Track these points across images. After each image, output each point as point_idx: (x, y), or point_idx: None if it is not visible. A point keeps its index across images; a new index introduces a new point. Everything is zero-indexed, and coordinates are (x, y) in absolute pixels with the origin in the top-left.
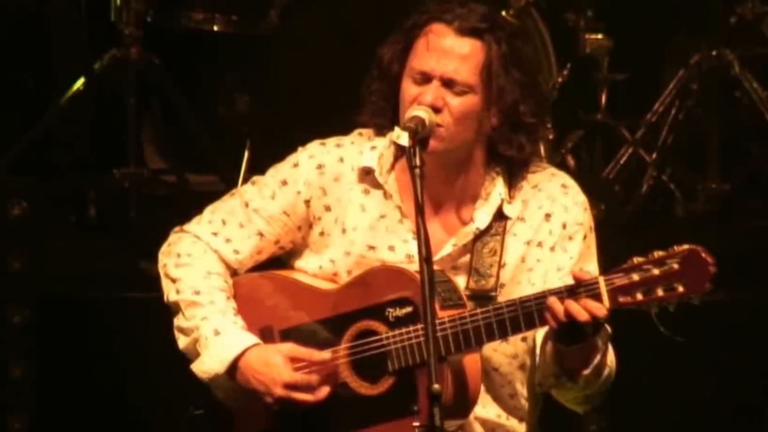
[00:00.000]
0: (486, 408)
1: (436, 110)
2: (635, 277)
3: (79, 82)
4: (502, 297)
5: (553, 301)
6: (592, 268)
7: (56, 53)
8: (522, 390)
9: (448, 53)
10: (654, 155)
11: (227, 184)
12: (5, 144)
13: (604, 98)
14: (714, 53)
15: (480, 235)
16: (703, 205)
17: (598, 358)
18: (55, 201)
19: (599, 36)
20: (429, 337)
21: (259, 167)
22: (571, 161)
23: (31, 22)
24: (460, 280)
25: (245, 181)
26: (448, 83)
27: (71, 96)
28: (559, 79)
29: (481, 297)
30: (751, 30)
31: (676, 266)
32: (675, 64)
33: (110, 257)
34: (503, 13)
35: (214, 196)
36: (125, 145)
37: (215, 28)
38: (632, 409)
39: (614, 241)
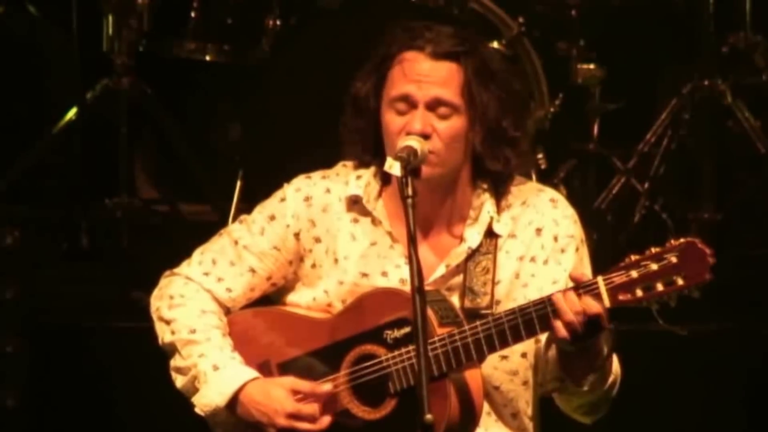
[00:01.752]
0: (488, 430)
1: (426, 137)
2: (634, 273)
3: (72, 112)
4: None
5: (569, 295)
6: None
7: (49, 82)
8: (525, 409)
9: (428, 78)
10: (646, 185)
11: (220, 213)
12: None
13: (596, 128)
14: (706, 83)
15: (472, 255)
16: (696, 234)
17: (602, 360)
18: (47, 230)
19: (591, 66)
20: (422, 369)
21: (251, 196)
22: (563, 191)
23: (24, 51)
24: (454, 300)
25: (238, 210)
26: (433, 106)
27: (63, 125)
28: (552, 109)
29: (477, 315)
30: (744, 59)
31: (674, 260)
32: (667, 94)
33: (102, 286)
34: (495, 42)
35: (206, 225)
36: (117, 174)
37: (207, 57)
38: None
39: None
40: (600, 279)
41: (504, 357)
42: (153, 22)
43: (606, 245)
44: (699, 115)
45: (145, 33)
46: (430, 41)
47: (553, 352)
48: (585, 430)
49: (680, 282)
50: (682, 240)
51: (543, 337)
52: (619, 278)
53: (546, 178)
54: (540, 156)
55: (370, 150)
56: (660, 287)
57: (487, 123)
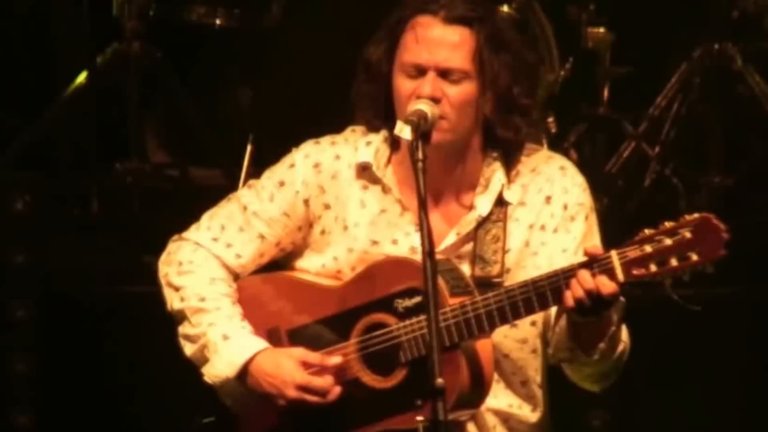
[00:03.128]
0: (498, 398)
1: (436, 101)
2: (648, 248)
3: (82, 76)
4: (508, 282)
5: (583, 273)
6: None
7: (59, 46)
8: (535, 377)
9: (439, 43)
10: (657, 149)
11: (230, 178)
12: (7, 140)
13: (606, 92)
14: (716, 47)
15: (482, 223)
16: (706, 199)
17: (612, 329)
18: (57, 196)
19: (601, 30)
20: (433, 333)
21: (261, 161)
22: (573, 155)
23: (33, 16)
24: (465, 269)
25: (248, 175)
26: (443, 73)
27: (73, 90)
28: (562, 73)
29: (487, 284)
30: (754, 24)
31: (688, 235)
32: (677, 58)
33: (113, 251)
34: (505, 7)
35: (216, 190)
36: (127, 139)
37: (218, 22)
38: (635, 403)
39: (617, 235)
40: (614, 253)
41: (513, 325)
42: None
43: (616, 210)
44: (709, 79)
45: None
46: (443, 6)
47: (563, 321)
48: (594, 397)
49: (694, 258)
50: (696, 215)
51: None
52: (633, 252)
53: (556, 143)
54: (550, 120)
55: (381, 115)
56: (674, 262)
57: (498, 90)
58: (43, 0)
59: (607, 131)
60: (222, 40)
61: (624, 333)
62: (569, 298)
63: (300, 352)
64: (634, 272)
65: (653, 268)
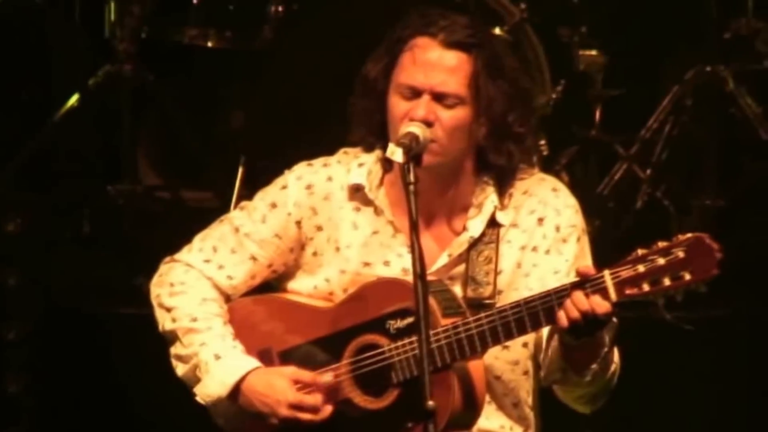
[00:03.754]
0: (489, 419)
1: (428, 124)
2: (641, 268)
3: (74, 98)
4: (501, 304)
5: (577, 294)
6: None
7: (52, 69)
8: (526, 398)
9: (436, 66)
10: (648, 171)
11: (221, 200)
12: (0, 159)
13: (598, 114)
14: (708, 69)
15: (474, 244)
16: (698, 221)
17: (605, 351)
18: (50, 216)
19: (593, 52)
20: (423, 356)
21: (253, 183)
22: (565, 177)
23: (27, 37)
24: (457, 290)
25: (240, 197)
26: (438, 96)
27: (66, 112)
28: (554, 96)
29: (479, 305)
30: (745, 46)
31: (681, 254)
32: (669, 80)
33: (104, 273)
34: (497, 29)
35: (208, 212)
36: (119, 161)
37: (209, 43)
38: (626, 425)
39: (608, 257)
40: (607, 273)
41: (505, 347)
42: (155, 9)
43: (608, 232)
44: (701, 101)
45: (148, 19)
46: (443, 29)
47: (555, 343)
48: (585, 419)
49: (687, 277)
50: (689, 235)
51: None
52: (626, 272)
53: (548, 165)
54: (542, 142)
55: (376, 132)
56: (667, 282)
57: (492, 117)
58: (36, 22)
59: (598, 153)
60: (214, 62)
61: (615, 354)
62: (563, 318)
63: (291, 371)
64: (627, 292)
65: (646, 287)
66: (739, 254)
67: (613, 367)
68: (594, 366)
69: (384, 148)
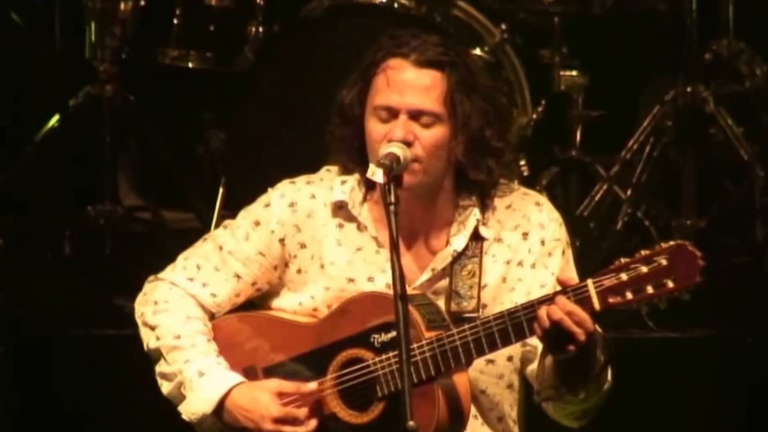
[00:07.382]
0: None
1: (408, 144)
2: (624, 276)
3: (54, 119)
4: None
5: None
6: None
7: (31, 89)
8: (511, 412)
9: (410, 86)
10: (629, 192)
11: (202, 221)
12: None
13: (578, 135)
14: (689, 90)
15: (457, 258)
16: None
17: (598, 369)
18: (30, 238)
19: (574, 73)
20: (405, 375)
21: (234, 204)
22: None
23: (6, 58)
24: (440, 304)
25: (220, 218)
26: (415, 115)
27: (46, 132)
28: (534, 116)
29: (463, 319)
30: (726, 67)
31: (664, 262)
32: (650, 101)
33: (85, 294)
34: (478, 49)
35: (189, 233)
36: (100, 182)
37: (190, 64)
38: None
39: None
40: (590, 282)
41: (490, 361)
42: (136, 30)
43: (589, 252)
44: (682, 122)
45: (128, 40)
46: (415, 49)
47: (549, 360)
48: None
49: (670, 284)
50: (672, 242)
51: (530, 340)
52: (608, 281)
53: (528, 186)
54: (522, 163)
55: (356, 158)
56: (650, 290)
57: (469, 133)
58: (16, 43)
59: (579, 174)
60: (194, 84)
61: (609, 373)
62: (544, 320)
63: (275, 384)
64: (611, 300)
65: (629, 295)
66: (720, 275)
67: (606, 386)
68: (588, 384)
69: (364, 172)
